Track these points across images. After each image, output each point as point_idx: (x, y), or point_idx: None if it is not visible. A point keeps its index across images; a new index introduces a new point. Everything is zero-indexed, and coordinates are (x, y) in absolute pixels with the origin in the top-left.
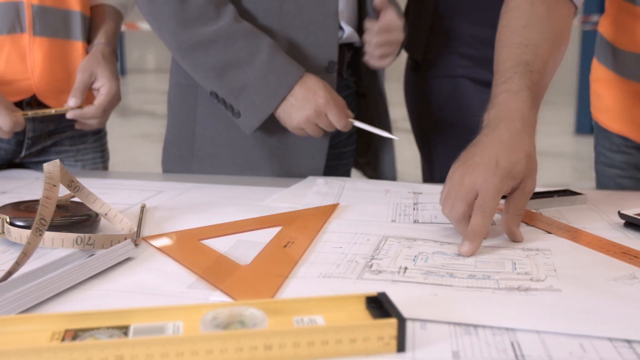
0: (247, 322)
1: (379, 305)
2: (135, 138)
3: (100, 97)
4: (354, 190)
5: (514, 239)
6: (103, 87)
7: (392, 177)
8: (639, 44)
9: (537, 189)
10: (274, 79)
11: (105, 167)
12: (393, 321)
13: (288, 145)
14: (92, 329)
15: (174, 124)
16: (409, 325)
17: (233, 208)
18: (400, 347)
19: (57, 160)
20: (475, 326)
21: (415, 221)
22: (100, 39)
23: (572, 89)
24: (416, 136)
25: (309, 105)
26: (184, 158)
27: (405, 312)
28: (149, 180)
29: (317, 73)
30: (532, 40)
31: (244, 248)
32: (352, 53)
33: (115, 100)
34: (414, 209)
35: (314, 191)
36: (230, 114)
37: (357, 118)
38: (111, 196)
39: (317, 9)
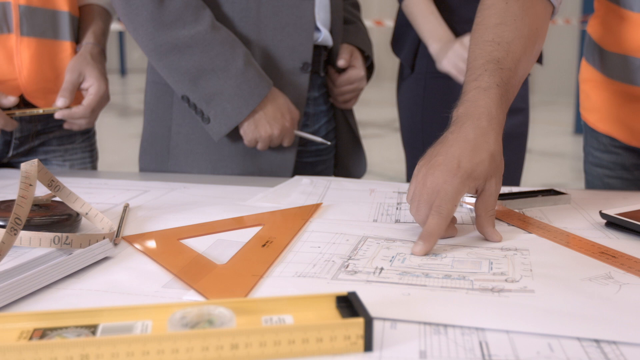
0: (215, 322)
1: (349, 305)
2: (134, 138)
3: (89, 97)
4: (339, 190)
5: (491, 239)
6: (92, 87)
7: (355, 172)
8: (625, 45)
9: (522, 189)
10: (247, 89)
11: (94, 167)
12: (360, 321)
13: None
14: (60, 328)
15: (151, 121)
16: (379, 325)
17: (216, 208)
18: (368, 346)
19: (35, 160)
20: (445, 326)
21: (397, 221)
22: (88, 39)
23: (572, 89)
24: (405, 135)
25: (276, 125)
26: (159, 155)
27: (376, 312)
28: (135, 180)
29: (292, 73)
30: (505, 37)
31: (222, 247)
32: (328, 52)
33: (103, 100)
34: (397, 208)
35: (298, 191)
36: (200, 119)
37: (333, 115)
38: (96, 196)
39: (293, 11)
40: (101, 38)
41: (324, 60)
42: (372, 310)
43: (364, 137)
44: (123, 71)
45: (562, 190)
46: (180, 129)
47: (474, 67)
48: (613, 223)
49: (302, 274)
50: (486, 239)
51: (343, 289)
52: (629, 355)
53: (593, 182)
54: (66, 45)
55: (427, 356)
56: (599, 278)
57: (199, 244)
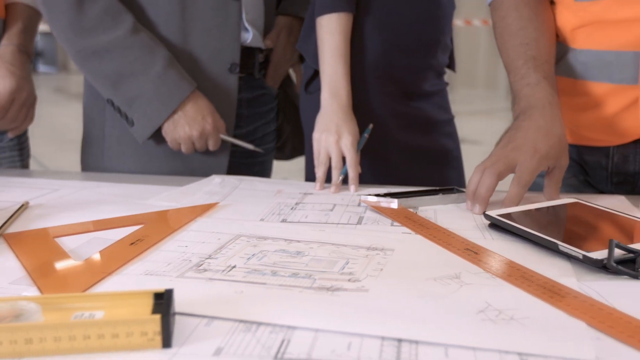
0: (22, 316)
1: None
2: None
3: None
4: (246, 190)
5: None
6: None
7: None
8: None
9: (424, 188)
10: (166, 92)
11: (24, 165)
12: (156, 317)
13: None
14: None
15: (87, 123)
16: (194, 322)
17: (116, 206)
18: (166, 343)
19: None
20: (259, 324)
21: (283, 220)
22: (5, 39)
23: None
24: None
25: (196, 126)
26: (96, 157)
27: (198, 309)
28: (53, 179)
29: (220, 74)
30: (531, 37)
31: (94, 246)
32: (265, 54)
33: (11, 97)
34: (292, 208)
35: (204, 190)
36: (125, 122)
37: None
38: (3, 194)
39: (219, 12)
40: (19, 36)
41: (259, 62)
42: (195, 308)
43: None
44: None
45: (464, 189)
46: (113, 131)
47: (515, 68)
48: (495, 224)
49: (150, 272)
50: (366, 238)
51: (183, 286)
52: (423, 355)
53: None
54: None
55: (221, 353)
56: (444, 278)
57: (72, 242)
